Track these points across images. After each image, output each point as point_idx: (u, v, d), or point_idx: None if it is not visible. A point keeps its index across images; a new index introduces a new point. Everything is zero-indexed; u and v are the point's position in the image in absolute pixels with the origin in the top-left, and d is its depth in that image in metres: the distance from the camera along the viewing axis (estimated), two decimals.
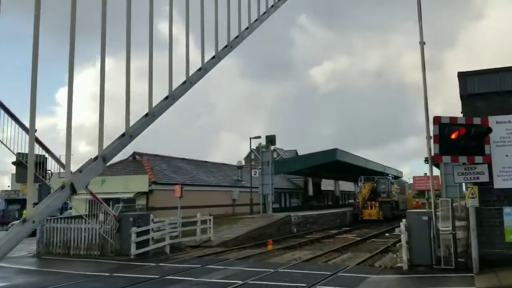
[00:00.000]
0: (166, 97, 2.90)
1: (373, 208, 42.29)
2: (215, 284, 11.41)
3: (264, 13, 3.95)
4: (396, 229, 13.46)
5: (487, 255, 11.52)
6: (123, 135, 2.54)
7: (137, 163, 31.41)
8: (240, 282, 11.51)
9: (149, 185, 28.18)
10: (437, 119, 11.39)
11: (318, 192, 56.38)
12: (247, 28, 3.72)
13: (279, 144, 51.91)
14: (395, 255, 15.75)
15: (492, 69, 12.39)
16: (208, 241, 21.53)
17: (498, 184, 11.68)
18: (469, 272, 11.51)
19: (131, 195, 27.98)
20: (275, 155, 70.36)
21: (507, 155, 11.64)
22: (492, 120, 11.64)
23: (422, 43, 13.67)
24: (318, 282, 11.25)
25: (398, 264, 13.50)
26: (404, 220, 13.79)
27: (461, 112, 14.74)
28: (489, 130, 11.12)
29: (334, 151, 39.79)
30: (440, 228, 13.21)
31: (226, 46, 3.48)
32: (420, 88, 14.06)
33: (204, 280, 12.08)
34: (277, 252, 19.39)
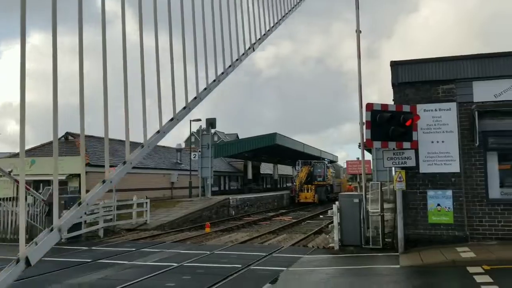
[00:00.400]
0: (142, 146, 2.99)
1: (309, 191, 43.50)
2: (149, 267, 11.29)
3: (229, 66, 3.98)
4: (329, 211, 13.93)
5: (412, 235, 12.26)
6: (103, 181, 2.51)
7: (70, 144, 30.10)
8: (175, 264, 11.47)
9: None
10: (369, 106, 11.84)
11: (257, 176, 57.05)
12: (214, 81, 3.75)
13: (220, 128, 51.87)
14: (327, 236, 16.35)
15: (421, 59, 13.02)
16: (144, 224, 21.22)
17: (424, 168, 12.39)
18: (395, 252, 12.21)
19: (63, 177, 26.80)
20: (215, 139, 70.17)
21: (432, 142, 12.35)
22: (420, 108, 12.29)
23: (358, 32, 14.09)
24: (253, 263, 11.46)
25: (330, 245, 14.04)
26: (336, 202, 14.34)
27: (393, 100, 15.42)
28: (417, 117, 11.73)
29: (273, 135, 40.33)
30: (370, 210, 13.86)
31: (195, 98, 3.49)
32: (357, 76, 14.52)
33: (139, 263, 11.92)
34: (215, 234, 19.50)
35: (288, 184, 67.80)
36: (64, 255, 13.40)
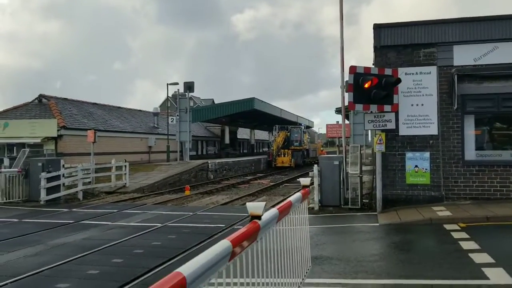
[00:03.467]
0: None
1: (286, 155, 44.02)
2: (133, 227, 11.35)
3: None
4: (310, 173, 14.15)
5: (390, 195, 12.64)
6: None
7: (44, 106, 29.32)
8: (159, 225, 11.57)
9: (58, 130, 26.60)
10: (352, 69, 11.88)
11: (234, 140, 57.12)
12: None
13: (196, 93, 51.24)
14: (310, 187, 16.67)
15: (404, 22, 13.04)
16: (123, 187, 21.16)
17: (403, 131, 12.65)
18: (373, 211, 12.59)
19: (38, 140, 26.27)
20: (191, 103, 69.36)
21: (412, 105, 12.57)
22: (401, 71, 12.41)
23: None
24: (236, 223, 11.65)
25: (310, 205, 14.32)
26: (316, 165, 14.58)
27: (373, 64, 15.50)
28: (398, 80, 11.87)
29: (251, 100, 40.19)
30: (349, 172, 14.16)
31: None
32: (336, 42, 14.48)
33: (122, 223, 11.96)
34: (195, 197, 19.65)
35: (264, 149, 68.26)
36: (44, 217, 13.34)
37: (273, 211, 3.92)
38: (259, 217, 3.39)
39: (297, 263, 4.98)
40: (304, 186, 5.74)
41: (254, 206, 3.43)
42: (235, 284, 2.93)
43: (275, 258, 3.99)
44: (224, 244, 2.62)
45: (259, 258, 3.49)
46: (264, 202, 3.45)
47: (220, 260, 2.51)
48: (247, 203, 3.45)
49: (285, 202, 4.54)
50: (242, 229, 3.09)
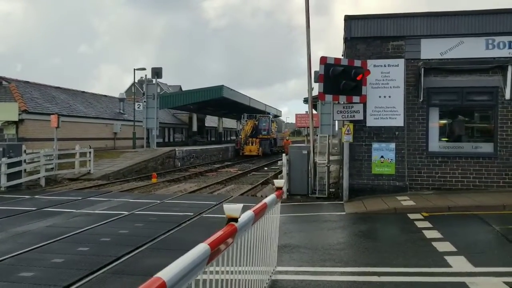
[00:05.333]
0: None
1: (254, 144, 44.13)
2: (99, 215, 11.12)
3: None
4: (279, 162, 14.23)
5: (356, 185, 12.89)
6: None
7: (3, 89, 28.15)
8: (126, 213, 11.38)
9: (20, 114, 25.65)
10: (323, 59, 11.96)
11: (202, 128, 56.77)
12: None
13: (163, 79, 50.44)
14: (274, 187, 16.80)
15: (374, 14, 13.21)
16: (87, 174, 20.70)
17: (370, 122, 12.88)
18: (340, 200, 12.82)
19: None
20: (158, 90, 68.26)
21: (379, 96, 12.79)
22: (370, 63, 12.60)
23: None
24: (204, 211, 11.61)
25: None
26: (284, 154, 14.70)
27: (342, 55, 15.66)
28: (367, 72, 12.04)
29: (220, 88, 39.95)
30: (317, 162, 14.33)
31: None
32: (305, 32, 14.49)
33: (87, 211, 11.70)
34: (162, 184, 19.44)
35: (232, 138, 68.15)
36: (5, 204, 12.89)
37: (249, 213, 3.97)
38: (235, 220, 3.41)
39: (268, 255, 5.15)
40: (278, 188, 5.79)
41: (231, 209, 3.44)
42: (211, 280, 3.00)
43: (248, 254, 4.09)
44: (202, 248, 2.66)
45: (234, 257, 3.58)
46: (241, 205, 3.46)
47: (199, 263, 2.55)
48: (224, 205, 3.45)
49: (260, 204, 4.60)
50: (220, 232, 3.11)
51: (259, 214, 4.39)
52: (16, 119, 25.50)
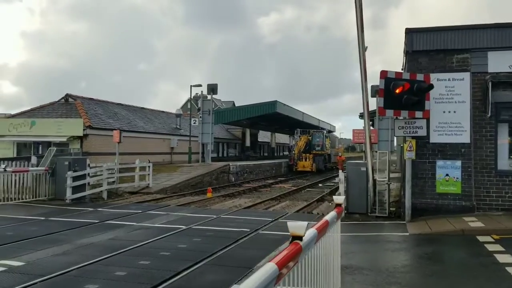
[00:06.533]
0: None
1: (308, 160, 43.70)
2: (158, 228, 11.32)
3: None
4: (336, 178, 13.92)
5: (419, 204, 12.32)
6: None
7: (70, 106, 29.75)
8: (184, 227, 11.51)
9: (84, 129, 26.94)
10: (383, 73, 11.64)
11: (255, 143, 57.11)
12: None
13: (217, 95, 51.45)
14: (330, 204, 16.46)
15: (436, 27, 12.75)
16: (146, 188, 21.25)
17: (434, 138, 12.34)
18: (401, 220, 12.30)
19: (64, 139, 26.65)
20: (212, 105, 69.63)
21: (444, 112, 12.25)
22: (433, 77, 12.11)
23: None
24: (261, 227, 11.52)
25: None
26: (341, 171, 14.37)
27: (402, 69, 15.19)
28: (431, 86, 11.56)
29: (274, 103, 40.07)
30: (377, 179, 13.89)
31: None
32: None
33: (147, 225, 11.95)
34: (217, 199, 19.58)
35: (285, 153, 68.04)
36: (70, 216, 13.43)
37: (312, 231, 3.81)
38: (300, 238, 3.28)
39: (331, 277, 4.96)
40: (338, 205, 5.55)
41: (296, 226, 3.30)
42: None
43: (312, 275, 3.92)
44: (270, 268, 2.56)
45: (298, 277, 3.43)
46: (306, 222, 3.32)
47: (268, 284, 2.45)
48: (288, 222, 3.32)
49: (322, 221, 4.42)
50: (285, 251, 3.00)
51: (321, 232, 4.22)
52: (81, 134, 26.79)
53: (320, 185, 30.69)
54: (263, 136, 62.51)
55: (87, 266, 7.63)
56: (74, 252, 8.73)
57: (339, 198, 5.80)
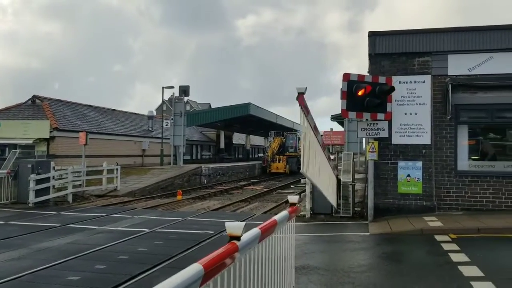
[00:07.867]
0: None
1: (281, 161, 43.91)
2: (120, 232, 11.16)
3: None
4: (302, 180, 14.01)
5: (381, 204, 12.50)
6: None
7: (37, 107, 29.08)
8: (147, 230, 11.38)
9: (51, 132, 26.36)
10: (346, 76, 11.78)
11: (229, 145, 57.02)
12: None
13: (194, 97, 51.30)
14: (298, 205, 16.54)
15: (399, 30, 12.97)
16: (114, 191, 20.96)
17: (396, 140, 12.54)
18: (364, 220, 12.46)
19: (29, 141, 26.03)
20: (188, 107, 69.31)
21: (405, 113, 12.47)
22: (395, 79, 12.31)
23: None
24: (225, 230, 11.45)
25: (302, 213, 14.18)
26: None
27: (368, 72, 15.41)
28: (392, 89, 11.75)
29: (247, 105, 40.11)
30: (342, 180, 14.02)
31: None
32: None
33: (109, 228, 11.77)
34: (187, 202, 19.45)
35: (260, 155, 68.12)
36: (31, 220, 13.13)
37: (255, 231, 3.76)
38: (237, 238, 3.26)
39: (283, 278, 4.90)
40: (292, 204, 5.49)
41: (233, 226, 3.27)
42: None
43: (256, 279, 3.86)
44: (194, 268, 2.50)
45: (237, 278, 3.36)
46: (244, 223, 3.31)
47: (191, 284, 2.38)
48: (226, 222, 3.31)
49: (269, 221, 4.36)
50: (217, 251, 2.95)
51: (266, 231, 4.17)
52: (47, 136, 26.21)
53: (292, 186, 30.86)
54: (238, 138, 62.49)
55: (41, 271, 7.47)
56: (29, 256, 8.52)
57: (293, 198, 5.78)
